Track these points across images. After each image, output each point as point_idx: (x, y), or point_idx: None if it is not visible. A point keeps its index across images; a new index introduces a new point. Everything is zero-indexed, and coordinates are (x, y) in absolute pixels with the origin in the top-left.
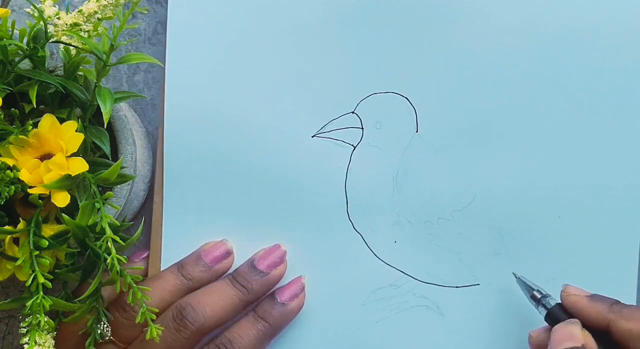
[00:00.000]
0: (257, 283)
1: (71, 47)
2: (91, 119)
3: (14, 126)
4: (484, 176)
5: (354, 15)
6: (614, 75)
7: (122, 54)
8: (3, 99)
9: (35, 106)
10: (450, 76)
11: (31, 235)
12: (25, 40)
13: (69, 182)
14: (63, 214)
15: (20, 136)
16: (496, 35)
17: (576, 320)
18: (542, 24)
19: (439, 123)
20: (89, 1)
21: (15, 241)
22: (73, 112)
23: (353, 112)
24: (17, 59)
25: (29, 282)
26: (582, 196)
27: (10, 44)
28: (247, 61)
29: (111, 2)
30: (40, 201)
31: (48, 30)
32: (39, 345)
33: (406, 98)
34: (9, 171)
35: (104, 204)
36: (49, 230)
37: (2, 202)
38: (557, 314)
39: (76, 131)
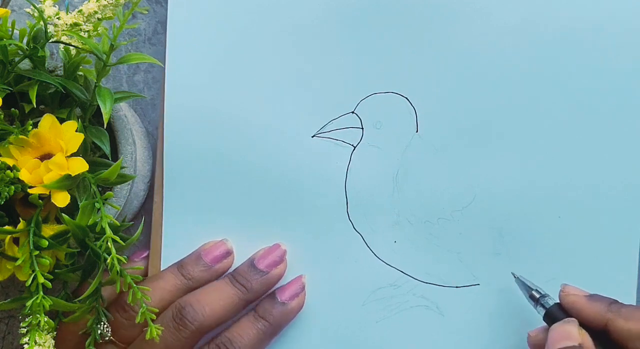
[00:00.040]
0: (256, 282)
1: (71, 47)
2: (91, 119)
3: (14, 126)
4: (484, 176)
5: (354, 15)
6: (614, 75)
7: (122, 54)
8: (3, 99)
9: (35, 106)
10: (450, 76)
11: (31, 235)
12: (25, 40)
13: (69, 182)
14: (63, 214)
15: (20, 136)
16: (496, 35)
17: (573, 319)
18: (542, 24)
19: (439, 123)
20: (89, 1)
21: (15, 241)
22: (73, 112)
23: (353, 112)
24: (17, 59)
25: (29, 282)
26: (582, 196)
27: (10, 44)
28: (247, 61)
29: (111, 2)
30: (40, 201)
31: (48, 30)
32: (39, 345)
33: (406, 98)
34: (9, 171)
35: (104, 204)
36: (49, 230)
37: (2, 202)
38: (555, 314)
39: (76, 131)
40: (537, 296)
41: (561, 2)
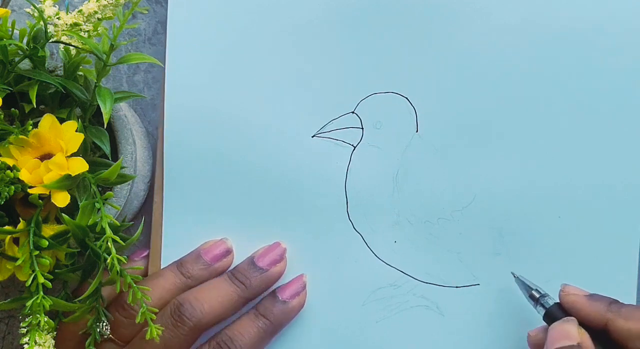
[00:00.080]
0: (256, 279)
1: (71, 47)
2: (91, 119)
3: (14, 126)
4: (484, 176)
5: (354, 15)
6: (614, 75)
7: (122, 54)
8: (3, 99)
9: (35, 106)
10: (450, 76)
11: (31, 235)
12: (25, 40)
13: (69, 182)
14: (63, 214)
15: (20, 136)
16: (496, 35)
17: (572, 318)
18: (542, 24)
19: (439, 123)
20: (89, 1)
21: (15, 241)
22: (73, 112)
23: (353, 112)
24: (17, 59)
25: (29, 282)
26: (582, 196)
27: (10, 44)
28: (247, 61)
29: (111, 2)
30: (40, 201)
31: (48, 30)
32: (39, 345)
33: (406, 98)
34: (9, 171)
35: (104, 204)
36: (49, 230)
37: (2, 202)
38: (555, 314)
39: (76, 131)
40: (537, 295)
41: (561, 2)
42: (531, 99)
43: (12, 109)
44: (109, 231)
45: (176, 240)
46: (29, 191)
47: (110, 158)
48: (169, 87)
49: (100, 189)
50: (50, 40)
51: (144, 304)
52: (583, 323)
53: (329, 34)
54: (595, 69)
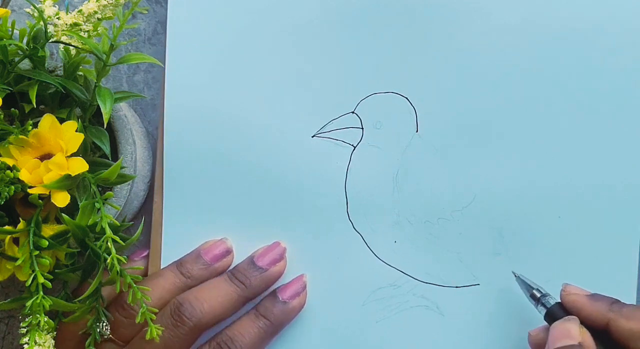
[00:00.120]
0: (255, 278)
1: (71, 47)
2: (91, 119)
3: (14, 126)
4: (484, 176)
5: (354, 15)
6: (614, 75)
7: (122, 54)
8: (3, 99)
9: (35, 106)
10: (450, 76)
11: (31, 235)
12: (25, 40)
13: (69, 182)
14: (63, 214)
15: (20, 136)
16: (496, 35)
17: (574, 317)
18: (542, 24)
19: (439, 123)
20: (89, 1)
21: (15, 241)
22: (73, 112)
23: (353, 112)
24: (17, 59)
25: (29, 282)
26: (582, 196)
27: (10, 44)
28: (247, 61)
29: (111, 2)
30: (40, 201)
31: (48, 30)
32: (39, 345)
33: (406, 98)
34: (9, 171)
35: (104, 204)
36: (49, 230)
37: (2, 202)
38: (556, 313)
39: (76, 131)
40: (538, 295)
41: (561, 2)
42: (531, 99)
43: (12, 109)
44: (109, 231)
45: (176, 240)
46: (29, 191)
47: (110, 158)
48: (169, 87)
49: (100, 189)
50: (50, 40)
51: (143, 304)
52: (584, 323)
53: (329, 34)
54: (595, 69)
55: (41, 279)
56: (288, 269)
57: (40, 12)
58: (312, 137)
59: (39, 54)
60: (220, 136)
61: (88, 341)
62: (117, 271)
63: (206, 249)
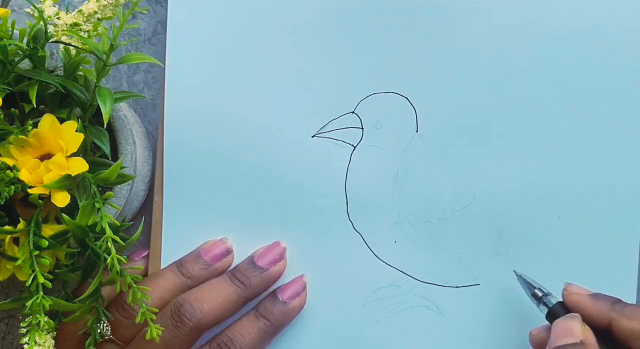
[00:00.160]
0: (255, 278)
1: (71, 47)
2: (91, 119)
3: (14, 126)
4: (484, 176)
5: (354, 15)
6: (614, 75)
7: (122, 54)
8: (3, 99)
9: (35, 106)
10: (450, 76)
11: (31, 235)
12: (25, 40)
13: (69, 182)
14: (63, 214)
15: (20, 136)
16: (496, 35)
17: (577, 315)
18: (542, 24)
19: (439, 123)
20: (89, 1)
21: (15, 241)
22: (73, 112)
23: (353, 112)
24: (17, 59)
25: (29, 282)
26: (582, 196)
27: (10, 44)
28: (247, 61)
29: (111, 2)
30: (40, 201)
31: (48, 30)
32: (39, 345)
33: (406, 98)
34: (9, 171)
35: (104, 204)
36: (49, 230)
37: (2, 202)
38: (558, 313)
39: (76, 131)
40: (540, 294)
41: (561, 2)
42: (531, 99)
43: (12, 109)
44: (109, 231)
45: (176, 240)
46: (29, 191)
47: (110, 158)
48: (169, 87)
49: (100, 189)
50: (50, 40)
51: (143, 304)
52: (586, 322)
53: (329, 34)
54: (595, 69)
55: (41, 279)
56: (288, 269)
57: (40, 12)
58: (312, 137)
59: (39, 54)
60: (220, 136)
61: (88, 341)
62: (117, 271)
63: (206, 249)
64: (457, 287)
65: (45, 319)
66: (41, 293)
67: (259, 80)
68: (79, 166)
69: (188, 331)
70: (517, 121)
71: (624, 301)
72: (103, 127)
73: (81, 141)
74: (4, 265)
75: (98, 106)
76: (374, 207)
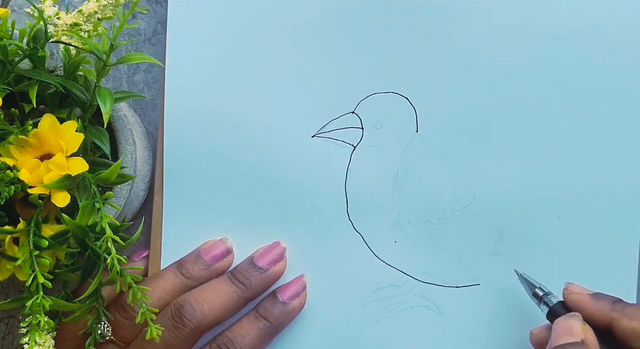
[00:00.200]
0: (256, 279)
1: (71, 47)
2: (91, 119)
3: (14, 126)
4: (484, 176)
5: (354, 15)
6: (614, 75)
7: (122, 54)
8: (3, 99)
9: (35, 106)
10: (450, 76)
11: (31, 235)
12: (25, 40)
13: (69, 182)
14: (63, 214)
15: (20, 136)
16: (496, 35)
17: (577, 314)
18: (542, 24)
19: (439, 123)
20: (89, 1)
21: (15, 241)
22: (73, 112)
23: (353, 112)
24: (17, 59)
25: (29, 282)
26: (582, 196)
27: (10, 44)
28: (247, 61)
29: (111, 2)
30: (40, 201)
31: (48, 30)
32: (39, 345)
33: (406, 98)
34: (9, 171)
35: (104, 204)
36: (49, 230)
37: (2, 202)
38: (559, 312)
39: (76, 131)
40: (541, 294)
41: (561, 2)
42: (531, 99)
43: (12, 109)
44: (109, 231)
45: (176, 240)
46: (29, 191)
47: (110, 158)
48: (169, 87)
49: (100, 189)
50: (50, 40)
51: (144, 305)
52: (587, 322)
53: (329, 34)
54: (595, 69)
55: (41, 279)
56: (288, 269)
57: (40, 12)
58: (312, 137)
59: (39, 54)
60: (220, 136)
61: (88, 341)
62: (117, 271)
63: (206, 250)
64: (457, 287)
65: (45, 319)
66: (41, 293)
67: (259, 80)
68: (79, 166)
69: (188, 332)
70: (517, 121)
71: (625, 300)
72: (103, 127)
73: (81, 141)
74: (4, 265)
75: (98, 106)
76: (374, 207)
